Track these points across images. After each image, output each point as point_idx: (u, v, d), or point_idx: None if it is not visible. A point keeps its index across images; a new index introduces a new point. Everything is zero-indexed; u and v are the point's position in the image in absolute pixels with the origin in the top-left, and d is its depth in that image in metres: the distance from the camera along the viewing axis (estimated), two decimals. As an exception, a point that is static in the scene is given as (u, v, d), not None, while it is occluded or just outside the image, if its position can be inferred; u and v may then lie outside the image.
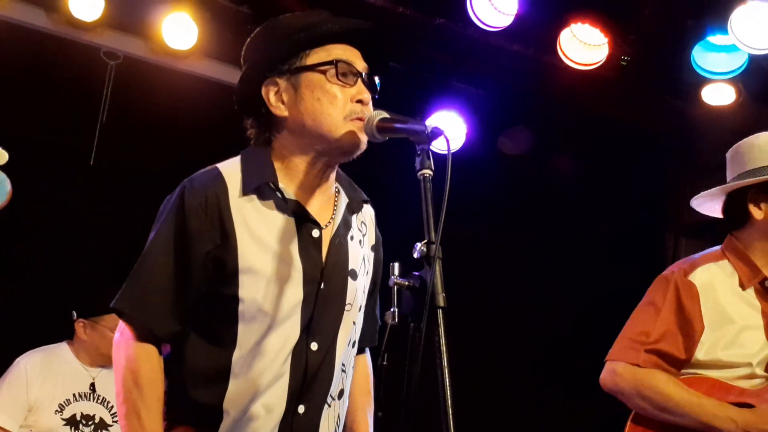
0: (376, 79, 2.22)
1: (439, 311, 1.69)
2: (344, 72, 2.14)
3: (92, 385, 3.96)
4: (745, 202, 2.77)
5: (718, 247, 2.85)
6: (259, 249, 2.09)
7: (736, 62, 4.63)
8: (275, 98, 2.16)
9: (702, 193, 2.90)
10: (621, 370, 2.74)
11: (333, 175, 2.23)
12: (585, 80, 4.88)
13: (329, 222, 2.20)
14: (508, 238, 5.49)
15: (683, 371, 2.73)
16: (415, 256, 1.76)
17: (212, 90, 4.88)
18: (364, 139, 2.12)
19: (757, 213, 2.74)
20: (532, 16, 4.55)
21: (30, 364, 3.88)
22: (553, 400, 5.49)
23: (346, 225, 2.24)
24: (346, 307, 2.20)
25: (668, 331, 2.69)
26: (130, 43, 4.67)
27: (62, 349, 4.01)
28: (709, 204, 2.92)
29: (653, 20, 4.63)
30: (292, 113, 2.15)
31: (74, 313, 3.99)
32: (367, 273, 2.31)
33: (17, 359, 3.90)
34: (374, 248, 2.37)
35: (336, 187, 2.27)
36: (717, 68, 4.68)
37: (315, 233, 2.15)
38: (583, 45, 4.64)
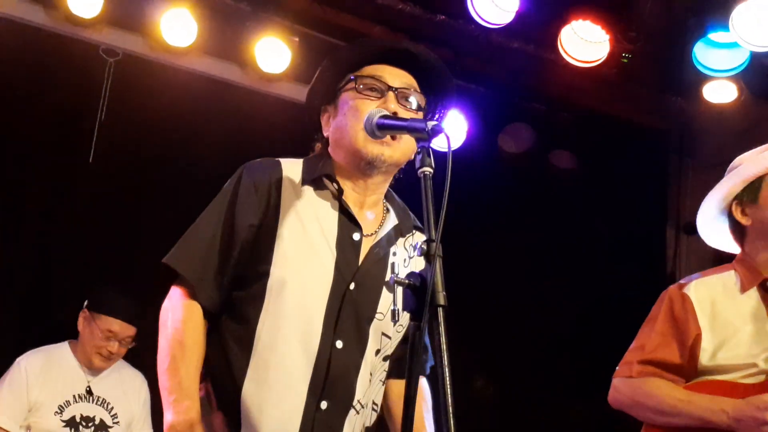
0: (415, 97, 2.23)
1: (440, 309, 1.68)
2: (371, 87, 2.20)
3: (88, 387, 3.95)
4: (733, 215, 2.81)
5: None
6: (299, 234, 2.15)
7: (737, 59, 4.62)
8: (325, 121, 2.29)
9: (705, 232, 2.93)
10: (618, 385, 2.79)
11: (379, 194, 2.27)
12: (586, 78, 4.88)
13: (373, 233, 2.24)
14: (509, 236, 5.48)
15: (693, 380, 2.74)
16: (416, 254, 1.75)
17: (211, 87, 4.87)
18: (386, 150, 2.16)
19: (745, 220, 2.79)
20: (532, 13, 4.55)
21: (30, 364, 3.86)
22: (553, 399, 5.48)
23: (389, 241, 2.26)
24: (377, 316, 2.20)
25: (662, 341, 2.72)
26: (129, 40, 4.66)
27: (63, 349, 4.00)
28: (722, 237, 2.95)
29: (654, 17, 4.62)
30: (332, 131, 2.26)
31: (86, 302, 4.00)
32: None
33: (17, 359, 3.88)
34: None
35: (386, 207, 2.31)
36: (718, 65, 4.67)
37: (356, 236, 2.19)
38: (584, 42, 4.64)
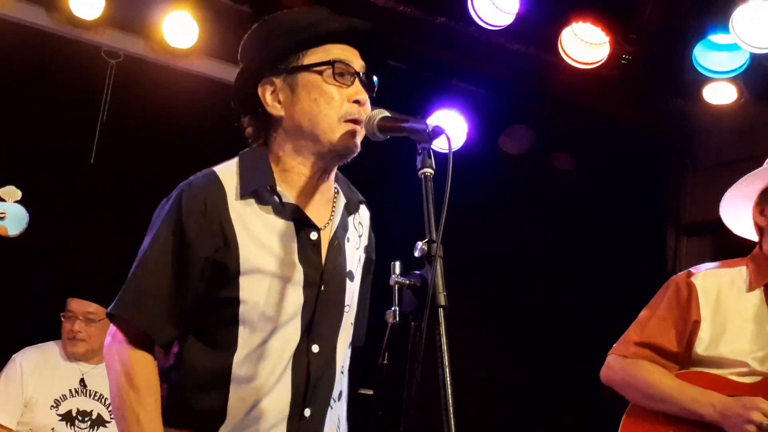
0: (374, 78, 2.19)
1: (440, 310, 1.69)
2: (341, 72, 2.11)
3: (82, 380, 3.97)
4: (752, 217, 2.85)
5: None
6: (260, 252, 2.07)
7: (737, 61, 4.63)
8: (272, 98, 2.13)
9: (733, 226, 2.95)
10: (612, 362, 2.86)
11: (332, 177, 2.21)
12: (586, 79, 4.88)
13: (327, 223, 2.18)
14: (509, 237, 5.49)
15: (684, 369, 2.76)
16: (416, 254, 1.76)
17: (213, 89, 4.87)
18: (358, 141, 2.11)
19: (762, 221, 2.81)
20: (533, 15, 4.55)
21: (25, 360, 3.93)
22: (554, 399, 5.49)
23: (343, 226, 2.23)
24: (345, 309, 2.19)
25: (662, 325, 2.77)
26: (131, 41, 4.67)
27: (55, 345, 4.05)
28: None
29: (654, 19, 4.63)
30: (289, 113, 2.12)
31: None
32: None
33: (13, 356, 3.95)
34: (367, 249, 2.36)
35: (335, 188, 2.25)
36: (718, 67, 4.67)
37: (313, 236, 2.13)
38: (584, 44, 4.64)
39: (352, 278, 2.23)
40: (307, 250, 2.12)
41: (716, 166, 5.83)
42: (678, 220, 6.00)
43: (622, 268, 5.62)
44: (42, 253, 4.34)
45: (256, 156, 2.17)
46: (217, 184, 2.10)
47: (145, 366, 2.04)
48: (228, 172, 2.14)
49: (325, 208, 2.20)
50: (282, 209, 2.11)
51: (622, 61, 4.74)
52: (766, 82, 4.84)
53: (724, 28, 4.31)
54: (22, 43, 4.42)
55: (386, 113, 2.06)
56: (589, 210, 5.63)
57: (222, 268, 2.05)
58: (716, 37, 4.54)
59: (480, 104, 5.24)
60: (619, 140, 5.73)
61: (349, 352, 2.26)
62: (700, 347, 2.71)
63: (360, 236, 2.31)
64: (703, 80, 4.87)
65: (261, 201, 2.10)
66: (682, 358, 2.76)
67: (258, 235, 2.08)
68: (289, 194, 2.13)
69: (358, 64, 2.16)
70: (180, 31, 4.54)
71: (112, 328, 2.08)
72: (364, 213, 2.36)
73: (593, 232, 5.61)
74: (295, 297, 2.09)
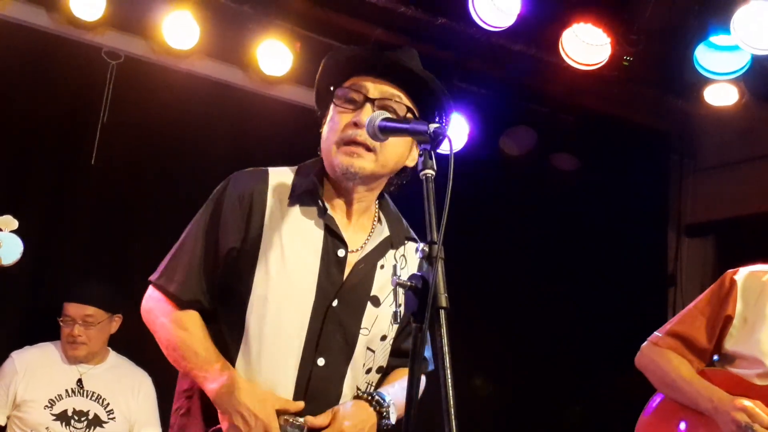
0: (400, 104, 2.17)
1: (442, 311, 1.68)
2: (348, 98, 2.18)
3: (79, 381, 3.97)
4: None
5: None
6: (282, 252, 2.13)
7: (738, 62, 4.62)
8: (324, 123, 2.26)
9: None
10: (644, 348, 2.93)
11: (366, 202, 2.25)
12: (587, 80, 4.88)
13: (360, 247, 2.22)
14: (510, 237, 5.48)
15: (710, 366, 2.83)
16: (418, 256, 1.75)
17: (213, 89, 4.87)
18: (357, 162, 2.13)
19: None
20: (534, 16, 4.55)
21: (20, 358, 3.95)
22: (553, 399, 5.48)
23: (378, 254, 2.24)
24: (362, 331, 2.20)
25: (697, 319, 2.83)
26: (132, 42, 4.67)
27: (54, 346, 4.05)
28: None
29: (655, 20, 4.62)
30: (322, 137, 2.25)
31: None
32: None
33: (11, 354, 3.97)
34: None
35: (378, 216, 2.29)
36: (719, 68, 4.67)
37: (340, 253, 2.18)
38: (586, 45, 4.63)
39: (376, 304, 2.23)
40: (330, 263, 2.16)
41: (718, 167, 5.84)
42: (679, 220, 6.00)
43: (623, 269, 5.62)
44: (42, 251, 4.34)
45: (312, 166, 2.27)
46: (263, 179, 2.21)
47: (189, 315, 2.16)
48: (280, 172, 2.25)
49: (362, 232, 2.25)
50: (321, 216, 2.18)
51: (623, 63, 4.74)
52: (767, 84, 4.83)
53: (725, 29, 4.30)
54: (22, 44, 4.42)
55: (388, 114, 2.06)
56: (590, 210, 5.63)
57: (241, 257, 2.14)
58: (717, 38, 4.53)
59: (481, 105, 5.23)
60: (620, 141, 5.73)
61: (372, 376, 2.25)
62: (729, 342, 2.77)
63: (402, 269, 2.26)
64: (705, 81, 4.87)
65: (304, 204, 2.20)
66: (710, 354, 2.83)
67: (285, 236, 2.15)
68: (329, 207, 2.21)
69: (377, 92, 2.17)
70: (181, 31, 4.54)
71: (154, 293, 2.20)
72: (412, 249, 2.34)
73: (594, 233, 5.61)
74: (305, 304, 2.13)
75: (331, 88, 2.21)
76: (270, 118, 4.89)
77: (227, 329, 2.15)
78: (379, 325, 2.23)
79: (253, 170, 2.25)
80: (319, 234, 2.17)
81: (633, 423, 2.93)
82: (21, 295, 4.36)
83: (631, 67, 4.78)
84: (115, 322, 4.07)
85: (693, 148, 6.00)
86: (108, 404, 3.99)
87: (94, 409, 3.97)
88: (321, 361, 2.13)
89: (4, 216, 2.71)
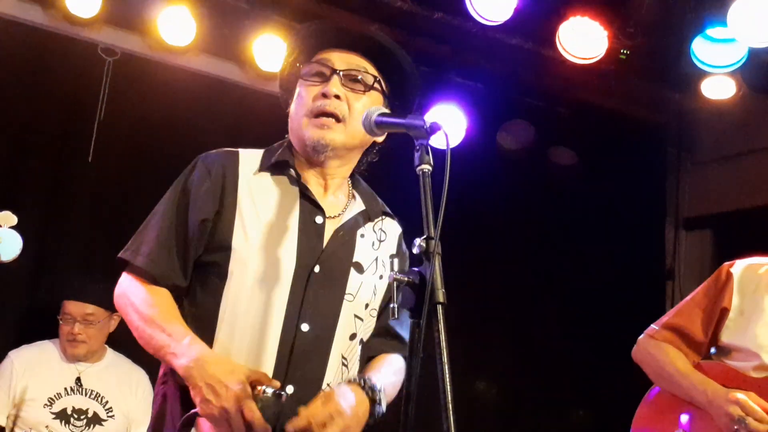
0: (367, 74, 2.21)
1: (439, 307, 1.68)
2: (316, 72, 2.21)
3: (78, 379, 3.98)
4: None
5: None
6: (258, 220, 2.13)
7: (735, 55, 4.62)
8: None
9: None
10: (640, 340, 2.94)
11: (339, 177, 2.26)
12: (584, 74, 4.88)
13: (338, 215, 2.23)
14: (507, 232, 5.48)
15: (706, 359, 2.83)
16: (415, 251, 1.75)
17: (210, 85, 4.87)
18: (328, 134, 2.16)
19: None
20: (531, 10, 4.55)
21: (19, 357, 3.95)
22: (552, 398, 5.49)
23: (355, 224, 2.25)
24: (347, 297, 2.19)
25: (693, 311, 2.84)
26: (128, 39, 4.66)
27: (52, 344, 4.06)
28: None
29: (652, 13, 4.63)
30: (290, 115, 2.28)
31: None
32: (381, 277, 2.28)
33: (9, 353, 3.97)
34: (393, 256, 2.33)
35: (352, 193, 2.30)
36: (716, 61, 4.67)
37: (318, 219, 2.19)
38: (582, 38, 4.63)
39: (360, 270, 2.23)
40: (309, 229, 2.16)
41: (715, 160, 5.84)
42: (677, 214, 6.00)
43: (622, 263, 5.62)
44: (41, 251, 4.34)
45: (280, 144, 2.30)
46: (233, 156, 2.22)
47: (158, 292, 2.12)
48: (250, 151, 2.27)
49: (336, 205, 2.25)
50: (295, 185, 2.20)
51: (620, 56, 4.75)
52: (765, 76, 4.83)
53: (722, 22, 4.30)
54: (18, 41, 4.42)
55: (384, 109, 2.07)
56: (588, 204, 5.63)
57: (216, 230, 2.13)
58: (714, 31, 4.53)
59: (478, 99, 5.23)
60: (618, 134, 5.73)
61: (355, 346, 2.24)
62: (725, 335, 2.77)
63: (381, 241, 2.30)
64: (702, 74, 4.87)
65: (276, 173, 2.21)
66: (706, 347, 2.83)
67: (261, 205, 2.15)
68: (303, 179, 2.22)
69: (344, 63, 2.20)
70: (177, 27, 4.54)
71: (124, 279, 2.17)
72: (390, 224, 2.36)
73: (592, 227, 5.60)
74: (286, 270, 2.11)
75: (298, 65, 2.24)
76: (267, 114, 4.83)
77: (207, 300, 2.12)
78: (364, 292, 2.23)
79: (223, 149, 2.25)
80: (294, 201, 2.18)
81: (631, 417, 2.93)
82: (18, 292, 4.36)
83: (628, 60, 4.79)
84: (114, 321, 4.07)
85: (690, 142, 6.00)
86: (107, 402, 4.00)
87: (93, 407, 3.97)
88: (305, 327, 2.10)
89: (3, 212, 2.70)
